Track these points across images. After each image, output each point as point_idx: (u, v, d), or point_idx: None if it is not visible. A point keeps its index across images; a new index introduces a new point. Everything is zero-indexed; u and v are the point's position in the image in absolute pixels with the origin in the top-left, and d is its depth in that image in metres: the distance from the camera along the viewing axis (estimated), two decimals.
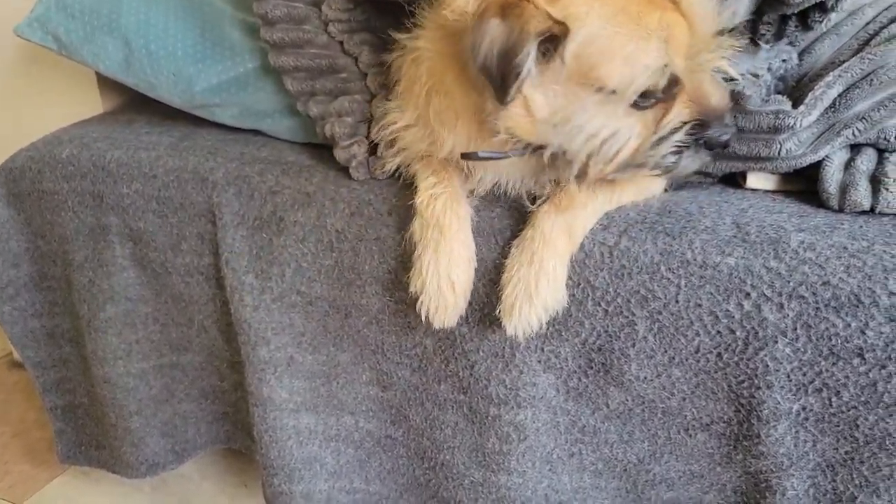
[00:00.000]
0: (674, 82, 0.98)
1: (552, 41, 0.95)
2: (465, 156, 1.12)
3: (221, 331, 1.47)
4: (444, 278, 1.12)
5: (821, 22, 1.14)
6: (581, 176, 1.05)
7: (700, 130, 1.01)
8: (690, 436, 1.13)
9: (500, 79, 0.96)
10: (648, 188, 1.20)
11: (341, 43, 1.26)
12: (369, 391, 1.34)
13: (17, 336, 1.65)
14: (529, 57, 0.94)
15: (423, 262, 1.13)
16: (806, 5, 1.10)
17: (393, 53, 1.24)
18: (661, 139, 1.01)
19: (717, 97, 1.01)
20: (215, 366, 1.53)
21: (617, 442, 1.19)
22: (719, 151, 1.06)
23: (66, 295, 1.60)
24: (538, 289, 1.06)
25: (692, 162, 1.03)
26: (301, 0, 1.29)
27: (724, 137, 1.01)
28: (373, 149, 1.28)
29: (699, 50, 1.00)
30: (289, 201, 1.30)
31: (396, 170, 1.26)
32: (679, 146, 1.01)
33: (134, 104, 1.77)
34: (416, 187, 1.17)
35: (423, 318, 1.14)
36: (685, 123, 1.00)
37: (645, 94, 0.97)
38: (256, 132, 1.50)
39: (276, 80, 1.39)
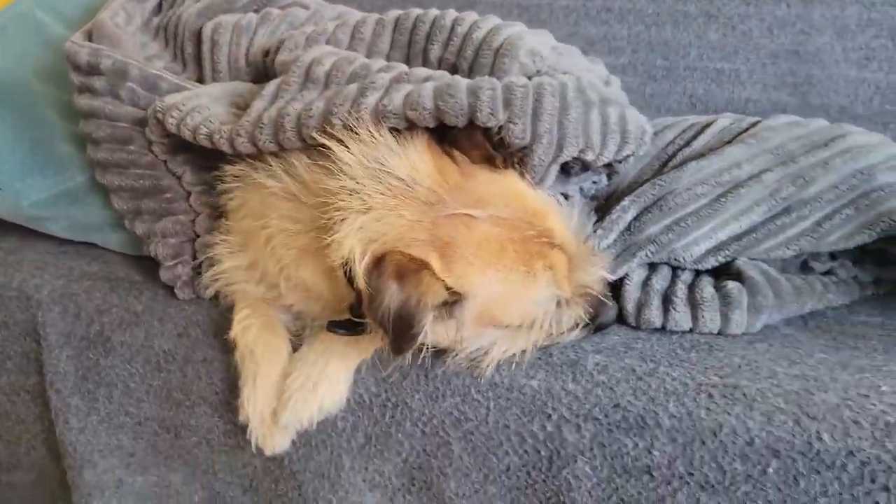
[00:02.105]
0: (566, 303, 1.09)
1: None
2: (331, 327, 1.15)
3: (50, 449, 1.42)
4: (267, 411, 1.15)
5: (621, 163, 1.23)
6: None
7: (592, 322, 1.12)
8: None
9: (395, 337, 1.00)
10: None
11: (165, 163, 1.27)
12: None
13: None
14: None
15: (245, 395, 1.16)
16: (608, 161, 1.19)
17: (226, 182, 1.25)
18: (560, 335, 1.11)
19: (597, 290, 1.12)
20: (46, 485, 1.47)
21: None
22: None
23: None
24: (317, 388, 1.11)
25: None
26: (126, 120, 1.30)
27: (611, 319, 1.14)
28: (198, 266, 1.28)
29: (578, 267, 1.10)
30: (116, 321, 1.29)
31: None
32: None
33: None
34: (232, 318, 1.19)
35: (254, 447, 1.16)
36: (578, 324, 1.11)
37: None
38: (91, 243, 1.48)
39: (105, 194, 1.37)
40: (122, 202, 1.31)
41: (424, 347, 1.06)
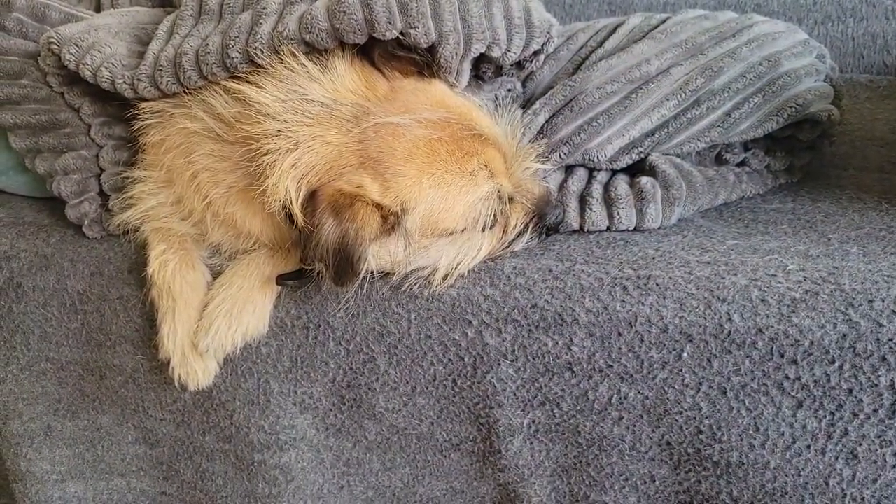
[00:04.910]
0: (508, 198, 1.08)
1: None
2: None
3: None
4: (188, 345, 1.13)
5: (531, 62, 1.21)
6: None
7: (540, 221, 1.11)
8: (445, 456, 1.18)
9: (336, 272, 0.99)
10: None
11: (62, 95, 1.21)
12: (137, 450, 1.31)
13: None
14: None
15: (163, 332, 1.14)
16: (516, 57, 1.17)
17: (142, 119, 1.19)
18: (511, 242, 1.11)
19: (539, 189, 1.13)
20: None
21: (381, 470, 1.22)
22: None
23: None
24: (241, 313, 1.11)
25: None
26: (17, 54, 1.23)
27: (559, 218, 1.13)
28: (106, 202, 1.24)
29: (513, 163, 1.10)
30: (25, 266, 1.24)
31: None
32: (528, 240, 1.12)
33: None
34: (148, 255, 1.16)
35: (177, 383, 1.15)
36: (527, 224, 1.11)
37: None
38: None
39: (5, 136, 1.31)
40: (20, 140, 1.25)
41: (370, 274, 1.05)
